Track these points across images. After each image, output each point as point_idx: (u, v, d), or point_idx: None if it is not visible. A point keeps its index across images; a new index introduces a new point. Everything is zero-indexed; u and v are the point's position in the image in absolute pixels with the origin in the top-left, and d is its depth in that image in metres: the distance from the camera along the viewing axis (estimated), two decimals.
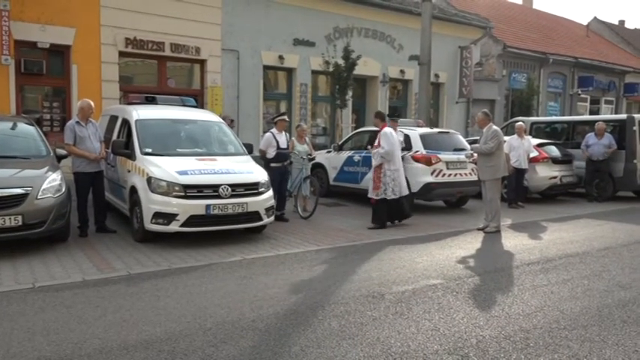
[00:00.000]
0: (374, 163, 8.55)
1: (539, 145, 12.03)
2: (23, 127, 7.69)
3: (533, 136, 12.96)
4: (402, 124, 10.89)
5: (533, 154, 11.48)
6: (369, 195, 8.70)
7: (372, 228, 8.46)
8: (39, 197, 6.22)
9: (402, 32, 16.97)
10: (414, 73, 16.67)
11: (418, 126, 11.14)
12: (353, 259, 6.49)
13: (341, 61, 14.03)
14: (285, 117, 9.48)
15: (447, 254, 6.90)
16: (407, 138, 10.19)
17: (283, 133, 9.21)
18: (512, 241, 7.77)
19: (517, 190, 11.14)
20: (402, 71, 17.31)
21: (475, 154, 8.79)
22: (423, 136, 10.19)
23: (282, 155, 9.03)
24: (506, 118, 20.12)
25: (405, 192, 8.67)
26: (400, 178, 8.56)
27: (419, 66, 14.16)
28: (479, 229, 8.48)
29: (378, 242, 7.51)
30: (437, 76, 17.83)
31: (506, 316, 4.52)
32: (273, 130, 9.18)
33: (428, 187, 9.80)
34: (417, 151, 10.01)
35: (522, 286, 5.43)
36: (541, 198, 12.26)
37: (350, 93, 14.79)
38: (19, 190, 6.12)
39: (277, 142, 8.98)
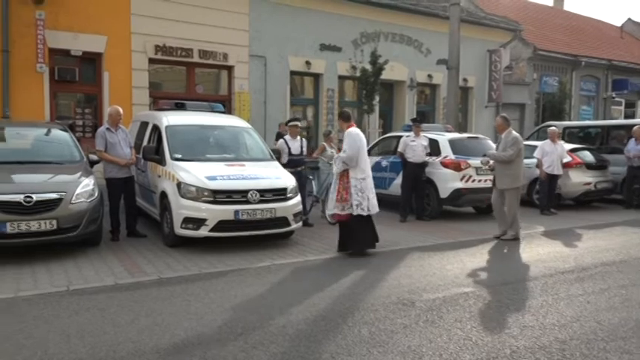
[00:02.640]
0: (335, 169, 7.01)
1: (573, 151, 11.74)
2: (57, 133, 7.87)
3: (566, 141, 12.68)
4: (430, 129, 10.83)
5: (567, 159, 11.20)
6: (330, 211, 7.08)
7: (351, 253, 6.95)
8: (73, 202, 6.35)
9: (429, 36, 16.84)
10: (442, 77, 16.52)
11: (447, 131, 11.03)
12: (381, 266, 6.43)
13: (368, 66, 13.98)
14: (297, 122, 9.37)
15: (477, 261, 6.78)
16: (435, 143, 10.10)
17: (298, 138, 9.15)
18: (546, 249, 7.59)
19: (550, 197, 10.89)
20: (429, 76, 17.17)
21: (491, 161, 8.43)
22: (452, 142, 10.07)
23: (294, 161, 8.88)
24: (537, 122, 19.74)
25: (375, 210, 6.94)
26: (369, 190, 6.86)
27: (447, 70, 14.01)
28: (496, 237, 8.22)
29: (406, 249, 7.42)
30: (465, 80, 17.61)
31: (541, 326, 4.41)
32: (287, 136, 9.18)
33: (457, 193, 9.67)
34: (445, 157, 9.89)
35: (557, 295, 5.29)
36: (574, 205, 11.95)
37: (377, 98, 14.72)
38: (54, 195, 6.25)
39: (289, 148, 8.94)
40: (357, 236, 6.91)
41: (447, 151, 9.94)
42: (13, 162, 6.87)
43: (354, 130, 6.95)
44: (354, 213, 6.76)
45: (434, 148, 10.02)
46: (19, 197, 6.01)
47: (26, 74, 10.58)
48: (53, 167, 6.94)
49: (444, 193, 9.72)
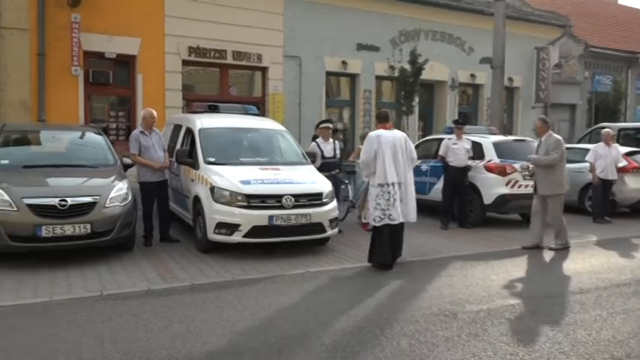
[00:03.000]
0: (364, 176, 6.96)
1: (629, 154, 11.07)
2: (92, 137, 7.92)
3: (621, 144, 11.98)
4: (473, 132, 10.45)
5: (622, 163, 10.56)
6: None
7: (373, 265, 6.54)
8: (107, 206, 6.33)
9: (472, 34, 16.37)
10: (486, 76, 16.02)
11: (491, 133, 10.63)
12: (422, 275, 6.19)
13: (407, 66, 13.70)
14: (329, 124, 9.14)
15: (524, 271, 6.50)
16: (479, 146, 9.71)
17: (331, 141, 8.94)
18: (599, 260, 7.15)
19: (603, 204, 10.27)
20: (472, 75, 16.71)
21: (531, 166, 7.99)
22: (496, 144, 9.66)
23: (327, 164, 8.64)
24: (589, 124, 18.92)
25: (404, 219, 6.43)
26: (394, 199, 6.28)
27: (491, 69, 13.56)
28: (524, 248, 7.70)
29: (448, 257, 7.12)
30: (511, 79, 17.03)
31: (595, 342, 4.16)
32: (319, 139, 8.96)
33: (502, 199, 9.23)
34: (489, 161, 9.49)
35: (612, 309, 4.97)
36: (630, 212, 11.22)
37: (416, 99, 14.42)
38: (88, 199, 6.25)
39: (322, 151, 8.72)
40: (373, 246, 6.53)
41: (491, 155, 9.53)
42: (49, 165, 6.94)
43: (375, 132, 6.56)
44: (371, 223, 6.48)
45: (477, 151, 9.63)
46: (54, 201, 6.03)
47: (61, 77, 10.70)
48: (87, 171, 6.97)
49: (487, 199, 9.30)
